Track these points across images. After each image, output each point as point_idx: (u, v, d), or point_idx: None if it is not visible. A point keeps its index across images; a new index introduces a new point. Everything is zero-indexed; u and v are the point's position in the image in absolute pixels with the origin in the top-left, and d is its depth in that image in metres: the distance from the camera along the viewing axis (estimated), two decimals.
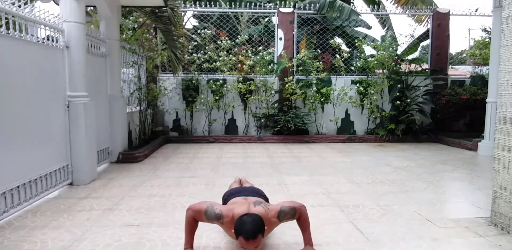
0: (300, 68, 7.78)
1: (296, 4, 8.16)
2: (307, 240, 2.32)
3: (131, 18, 6.67)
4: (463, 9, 11.13)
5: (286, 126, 7.28)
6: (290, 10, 7.83)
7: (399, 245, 2.48)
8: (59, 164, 3.83)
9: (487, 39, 8.46)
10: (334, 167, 5.12)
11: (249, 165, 5.29)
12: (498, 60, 3.10)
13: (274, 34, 7.99)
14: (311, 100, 7.64)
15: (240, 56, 7.68)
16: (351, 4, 10.74)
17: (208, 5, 8.13)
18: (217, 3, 8.98)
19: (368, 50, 8.67)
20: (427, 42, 8.59)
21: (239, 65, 7.62)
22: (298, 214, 2.29)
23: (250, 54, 7.73)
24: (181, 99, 7.75)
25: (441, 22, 8.07)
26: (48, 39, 3.70)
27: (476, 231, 2.73)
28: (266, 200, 2.62)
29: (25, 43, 3.30)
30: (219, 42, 7.67)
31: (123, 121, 5.61)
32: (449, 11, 8.10)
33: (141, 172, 4.75)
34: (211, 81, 7.60)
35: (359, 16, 8.52)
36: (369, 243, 2.51)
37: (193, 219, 2.28)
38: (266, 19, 8.92)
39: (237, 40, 7.76)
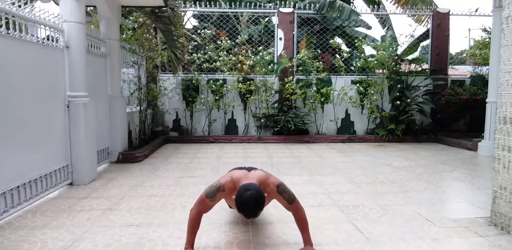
0: (300, 68, 7.78)
1: (296, 4, 8.16)
2: (307, 240, 2.33)
3: (131, 18, 6.67)
4: (463, 9, 11.13)
5: (286, 126, 7.28)
6: (290, 10, 7.83)
7: (399, 245, 2.48)
8: (59, 164, 3.83)
9: (487, 39, 8.46)
10: (334, 167, 5.12)
11: (249, 165, 5.27)
12: (498, 60, 3.10)
13: (274, 34, 7.99)
14: (311, 100, 7.64)
15: (240, 56, 7.69)
16: (351, 4, 10.73)
17: (208, 5, 8.12)
18: (217, 3, 8.98)
19: (368, 50, 8.68)
20: (427, 42, 8.59)
21: (239, 65, 7.62)
22: (294, 206, 2.30)
23: (250, 54, 7.73)
24: (181, 99, 7.75)
25: (441, 22, 8.07)
26: (48, 39, 3.70)
27: (476, 231, 2.73)
28: None
29: (25, 43, 3.30)
30: (219, 42, 7.67)
31: (123, 121, 5.61)
32: (449, 11, 8.09)
33: (141, 172, 4.75)
34: (211, 81, 7.60)
35: (359, 16, 8.52)
36: (369, 243, 2.51)
37: (198, 216, 2.27)
38: (266, 19, 8.92)
39: (237, 40, 7.76)
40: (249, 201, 2.02)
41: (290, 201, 2.29)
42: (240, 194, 2.05)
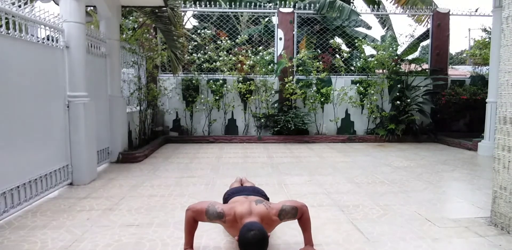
0: (300, 68, 7.78)
1: (296, 4, 8.16)
2: (308, 240, 2.32)
3: (131, 18, 6.67)
4: (463, 9, 11.13)
5: (286, 125, 7.28)
6: (290, 10, 7.83)
7: (399, 245, 2.48)
8: (59, 164, 3.83)
9: (487, 39, 8.46)
10: (334, 167, 5.12)
11: (249, 165, 5.29)
12: (498, 60, 3.10)
13: (274, 34, 7.99)
14: (311, 100, 7.64)
15: (240, 56, 7.69)
16: (351, 4, 10.73)
17: (208, 5, 8.12)
18: (217, 3, 8.98)
19: (368, 50, 8.68)
20: (427, 42, 8.59)
21: (239, 65, 7.62)
22: (299, 214, 2.28)
23: (250, 54, 7.73)
24: (181, 99, 7.75)
25: (441, 22, 8.07)
26: (48, 39, 3.69)
27: (476, 231, 2.73)
28: (267, 199, 2.62)
29: (25, 43, 3.29)
30: (219, 42, 7.67)
31: (123, 121, 5.61)
32: (449, 11, 8.10)
33: (141, 172, 4.75)
34: (211, 81, 7.60)
35: (359, 16, 8.52)
36: (369, 243, 2.51)
37: (193, 220, 2.27)
38: (266, 19, 8.92)
39: (237, 40, 7.76)
40: (253, 241, 2.00)
41: (294, 216, 2.29)
42: (243, 234, 2.03)
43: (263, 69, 7.57)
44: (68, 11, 3.97)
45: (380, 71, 8.02)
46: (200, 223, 2.31)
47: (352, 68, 8.49)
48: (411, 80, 7.81)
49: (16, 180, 3.10)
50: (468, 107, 7.51)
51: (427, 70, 8.14)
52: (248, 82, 7.54)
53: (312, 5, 7.99)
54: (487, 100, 6.26)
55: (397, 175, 4.61)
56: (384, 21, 10.11)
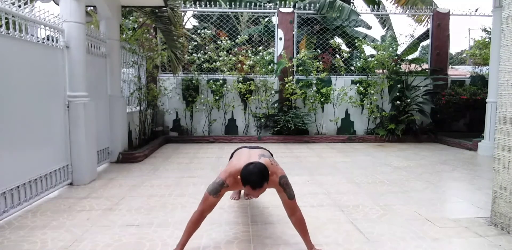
0: (300, 68, 7.78)
1: (296, 4, 8.16)
2: (310, 244, 2.30)
3: (131, 18, 6.67)
4: (463, 9, 11.14)
5: (286, 125, 7.27)
6: (290, 10, 7.83)
7: (399, 245, 2.48)
8: (59, 164, 3.83)
9: (487, 39, 8.46)
10: (334, 167, 5.12)
11: None
12: (498, 60, 3.10)
13: (274, 34, 7.99)
14: (311, 100, 7.64)
15: (240, 56, 7.69)
16: (351, 4, 10.73)
17: (208, 5, 8.12)
18: (217, 3, 8.98)
19: (368, 50, 8.68)
20: (427, 42, 8.59)
21: (239, 65, 7.62)
22: (293, 203, 2.30)
23: (250, 54, 7.73)
24: (181, 99, 7.75)
25: (441, 22, 8.07)
26: (48, 39, 3.69)
27: (476, 231, 2.73)
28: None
29: (25, 43, 3.29)
30: (219, 42, 7.67)
31: (123, 121, 5.61)
32: (449, 11, 8.10)
33: (141, 172, 4.75)
34: (211, 81, 7.60)
35: (359, 16, 8.52)
36: (369, 243, 2.51)
37: (200, 215, 2.25)
38: (266, 19, 8.92)
39: (237, 40, 7.76)
40: (254, 170, 2.10)
41: (290, 197, 2.28)
42: (244, 168, 2.14)
43: (263, 69, 7.57)
44: (68, 11, 3.97)
45: (380, 71, 8.02)
46: (201, 224, 2.31)
47: (352, 68, 8.48)
48: (411, 80, 7.81)
49: (16, 180, 3.10)
50: (468, 107, 7.51)
51: (427, 70, 8.14)
52: (248, 82, 7.53)
53: (312, 5, 7.99)
54: (487, 100, 6.26)
55: (397, 175, 4.61)
56: (384, 21, 10.11)
